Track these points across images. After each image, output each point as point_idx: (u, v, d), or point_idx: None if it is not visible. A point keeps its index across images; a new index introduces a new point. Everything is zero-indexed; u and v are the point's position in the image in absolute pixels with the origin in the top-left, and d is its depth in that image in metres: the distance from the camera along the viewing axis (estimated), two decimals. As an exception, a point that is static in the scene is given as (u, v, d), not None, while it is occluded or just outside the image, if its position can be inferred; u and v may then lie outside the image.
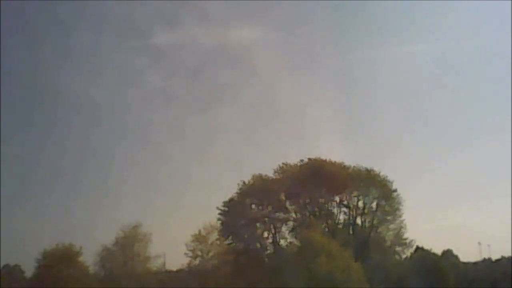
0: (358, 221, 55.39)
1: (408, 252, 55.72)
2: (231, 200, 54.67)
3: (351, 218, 55.26)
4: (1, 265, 61.96)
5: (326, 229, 51.56)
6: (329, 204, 55.56)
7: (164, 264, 57.44)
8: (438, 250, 60.16)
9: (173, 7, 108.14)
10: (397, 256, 55.32)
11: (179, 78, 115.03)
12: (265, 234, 54.67)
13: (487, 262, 66.84)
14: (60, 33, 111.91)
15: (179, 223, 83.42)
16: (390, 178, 55.31)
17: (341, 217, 55.35)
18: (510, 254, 61.35)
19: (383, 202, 54.95)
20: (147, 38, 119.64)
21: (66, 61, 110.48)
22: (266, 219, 54.15)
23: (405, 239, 54.95)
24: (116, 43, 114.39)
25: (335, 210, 55.45)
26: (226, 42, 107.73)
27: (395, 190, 55.03)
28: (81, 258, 54.49)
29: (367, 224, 55.06)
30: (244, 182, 55.20)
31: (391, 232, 55.43)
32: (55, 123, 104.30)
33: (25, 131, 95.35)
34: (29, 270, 57.77)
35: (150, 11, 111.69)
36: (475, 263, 67.15)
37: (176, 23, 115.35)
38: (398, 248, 55.24)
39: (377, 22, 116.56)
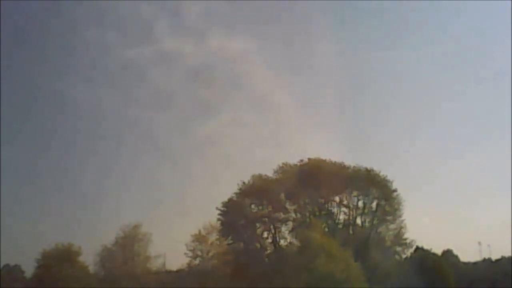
0: (358, 221, 55.27)
1: (408, 252, 55.64)
2: (230, 200, 54.58)
3: (351, 218, 55.13)
4: (1, 265, 62.12)
5: (326, 229, 51.43)
6: (329, 204, 55.42)
7: (164, 264, 57.63)
8: (438, 250, 60.32)
9: (176, 6, 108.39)
10: (397, 256, 55.18)
11: (180, 77, 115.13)
12: (265, 234, 54.55)
13: (487, 262, 66.86)
14: (61, 32, 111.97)
15: (179, 223, 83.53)
16: (390, 178, 55.34)
17: (341, 217, 55.21)
18: (510, 254, 61.43)
19: (383, 202, 54.81)
20: (151, 37, 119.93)
21: (68, 60, 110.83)
22: (266, 219, 54.05)
23: (405, 239, 54.82)
24: (118, 42, 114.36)
25: (335, 210, 55.31)
26: (229, 42, 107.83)
27: (395, 190, 54.94)
28: (81, 258, 54.71)
29: (367, 224, 54.93)
30: (243, 182, 55.10)
31: (391, 232, 55.29)
32: (56, 123, 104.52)
33: (25, 131, 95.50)
34: (29, 270, 57.96)
35: (153, 10, 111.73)
36: (475, 263, 67.18)
37: (180, 22, 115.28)
38: (398, 248, 55.07)
39: (377, 23, 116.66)
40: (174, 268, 59.41)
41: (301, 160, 56.14)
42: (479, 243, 67.26)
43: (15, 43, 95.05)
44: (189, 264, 55.83)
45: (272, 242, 54.32)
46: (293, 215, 54.54)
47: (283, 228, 54.28)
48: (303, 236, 45.31)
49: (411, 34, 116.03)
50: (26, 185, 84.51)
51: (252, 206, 54.84)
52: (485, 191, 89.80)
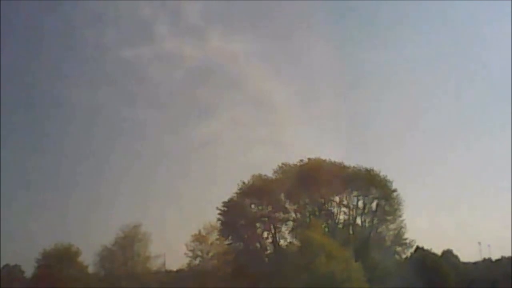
0: (358, 221, 55.23)
1: (408, 252, 55.63)
2: (230, 200, 54.57)
3: (351, 218, 55.11)
4: (1, 265, 62.10)
5: (326, 229, 51.42)
6: (329, 204, 55.41)
7: (164, 264, 57.65)
8: (438, 250, 60.31)
9: (176, 6, 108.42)
10: (397, 256, 55.18)
11: (180, 77, 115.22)
12: (265, 234, 54.54)
13: (487, 262, 66.86)
14: (60, 32, 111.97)
15: (179, 223, 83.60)
16: (390, 178, 55.31)
17: (341, 217, 55.17)
18: (510, 254, 61.41)
19: (383, 202, 54.77)
20: (150, 37, 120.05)
21: (67, 60, 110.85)
22: (266, 219, 54.04)
23: (405, 239, 54.78)
24: (118, 42, 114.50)
25: (335, 210, 55.28)
26: (228, 42, 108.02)
27: (395, 190, 54.91)
28: (80, 258, 54.77)
29: (367, 224, 54.90)
30: (243, 182, 55.08)
31: (391, 232, 55.25)
32: (55, 123, 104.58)
33: (24, 131, 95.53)
34: (29, 270, 58.01)
35: (153, 9, 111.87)
36: (475, 263, 67.16)
37: (180, 22, 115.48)
38: (398, 248, 55.05)
39: (377, 22, 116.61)
40: (174, 268, 59.57)
41: (301, 160, 56.16)
42: (479, 243, 67.27)
43: (14, 43, 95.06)
44: (189, 264, 55.85)
45: (272, 242, 54.29)
46: (293, 215, 54.51)
47: (283, 228, 54.30)
48: (303, 236, 45.28)
49: (411, 33, 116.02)
50: (25, 185, 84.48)
51: (252, 206, 54.81)
52: (485, 191, 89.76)
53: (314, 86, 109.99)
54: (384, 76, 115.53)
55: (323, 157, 56.29)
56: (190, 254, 55.34)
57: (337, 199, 55.30)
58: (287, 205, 54.67)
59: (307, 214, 54.38)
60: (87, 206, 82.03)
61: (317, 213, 54.35)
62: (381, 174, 55.13)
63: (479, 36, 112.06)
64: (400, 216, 54.86)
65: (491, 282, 57.25)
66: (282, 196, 54.69)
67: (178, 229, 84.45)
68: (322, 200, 55.12)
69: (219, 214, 54.18)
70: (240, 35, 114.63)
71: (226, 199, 54.71)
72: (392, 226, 55.15)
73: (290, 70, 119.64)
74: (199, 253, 55.53)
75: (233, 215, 53.61)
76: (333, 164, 55.82)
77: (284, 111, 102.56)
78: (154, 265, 55.94)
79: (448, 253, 63.78)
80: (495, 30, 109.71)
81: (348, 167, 55.94)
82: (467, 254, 74.93)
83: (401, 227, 54.87)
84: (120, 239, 54.67)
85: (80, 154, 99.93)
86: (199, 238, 55.64)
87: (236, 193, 54.75)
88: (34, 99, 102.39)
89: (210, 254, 55.83)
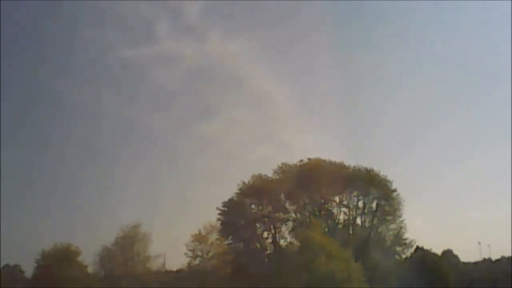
0: (358, 221, 55.22)
1: (408, 252, 55.59)
2: (230, 200, 54.57)
3: (351, 218, 55.11)
4: (1, 265, 62.09)
5: (326, 229, 51.38)
6: (329, 204, 55.41)
7: (164, 264, 57.69)
8: (438, 250, 60.34)
9: (176, 6, 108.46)
10: (397, 256, 55.16)
11: (180, 77, 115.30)
12: (265, 234, 54.55)
13: (487, 262, 66.92)
14: (61, 32, 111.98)
15: (179, 223, 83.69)
16: (390, 178, 55.30)
17: (341, 217, 55.19)
18: (510, 254, 61.47)
19: (383, 202, 54.76)
20: (151, 37, 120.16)
21: (68, 60, 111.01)
22: (266, 219, 54.04)
23: (405, 239, 54.77)
24: (119, 42, 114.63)
25: (335, 210, 55.30)
26: (229, 42, 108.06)
27: (395, 190, 54.88)
28: (80, 258, 54.72)
29: (367, 224, 54.88)
30: (243, 182, 55.09)
31: (391, 232, 55.24)
32: (56, 123, 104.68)
33: (25, 131, 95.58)
34: (29, 270, 58.00)
35: (153, 10, 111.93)
36: (475, 263, 67.23)
37: (180, 22, 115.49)
38: (398, 248, 55.03)
39: (377, 24, 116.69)
40: (174, 268, 59.57)
41: (301, 160, 56.17)
42: (479, 243, 67.38)
43: (15, 43, 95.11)
44: (189, 264, 55.90)
45: (272, 242, 54.29)
46: (293, 215, 54.52)
47: (283, 228, 54.32)
48: (303, 236, 45.22)
49: (411, 35, 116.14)
50: (26, 185, 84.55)
51: (252, 206, 54.80)
52: (485, 191, 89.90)
53: (314, 86, 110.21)
54: (385, 76, 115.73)
55: (323, 157, 56.38)
56: (190, 254, 55.49)
57: (337, 199, 55.35)
58: (287, 205, 54.69)
59: (307, 214, 54.31)
60: (87, 206, 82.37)
61: (317, 213, 54.30)
62: (381, 174, 55.19)
63: (482, 37, 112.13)
64: (400, 216, 54.90)
65: (491, 282, 57.33)
66: (282, 196, 54.69)
67: (178, 229, 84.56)
68: (322, 200, 55.12)
69: (219, 214, 54.22)
70: (240, 35, 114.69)
71: (226, 199, 54.78)
72: (392, 226, 55.17)
73: (291, 70, 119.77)
74: (199, 253, 55.60)
75: (233, 215, 53.59)
76: (333, 164, 55.79)
77: (284, 111, 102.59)
78: (154, 265, 56.05)
79: (448, 253, 63.80)
80: (498, 31, 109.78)
81: (348, 167, 55.93)
82: (467, 254, 75.02)
83: (401, 227, 54.88)
84: (120, 239, 54.71)
85: (80, 154, 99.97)
86: (199, 238, 55.69)
87: (236, 193, 54.78)
88: (35, 98, 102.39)
89: (210, 254, 55.88)
